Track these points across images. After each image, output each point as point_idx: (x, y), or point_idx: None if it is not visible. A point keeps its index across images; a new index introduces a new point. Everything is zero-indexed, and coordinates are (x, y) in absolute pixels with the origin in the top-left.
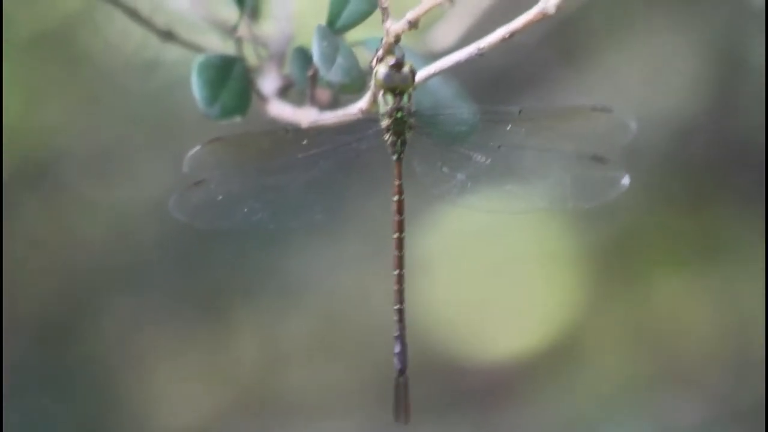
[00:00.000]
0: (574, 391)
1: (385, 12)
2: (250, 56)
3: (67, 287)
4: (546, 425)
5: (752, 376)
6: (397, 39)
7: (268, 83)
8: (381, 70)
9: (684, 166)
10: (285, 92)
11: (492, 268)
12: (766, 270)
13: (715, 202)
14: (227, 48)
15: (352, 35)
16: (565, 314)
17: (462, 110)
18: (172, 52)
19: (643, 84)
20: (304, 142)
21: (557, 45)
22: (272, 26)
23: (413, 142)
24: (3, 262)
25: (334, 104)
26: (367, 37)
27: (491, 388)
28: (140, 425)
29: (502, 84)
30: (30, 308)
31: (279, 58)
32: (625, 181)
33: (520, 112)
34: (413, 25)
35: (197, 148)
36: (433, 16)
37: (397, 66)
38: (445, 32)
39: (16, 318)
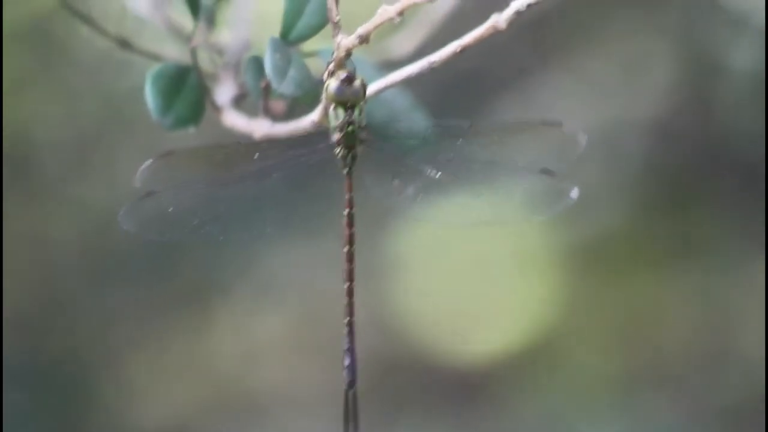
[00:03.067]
0: (553, 390)
1: (336, 27)
2: (207, 63)
3: (43, 282)
4: (524, 424)
5: (731, 375)
6: (348, 53)
7: (224, 92)
8: (332, 84)
9: (661, 167)
10: (240, 101)
11: (470, 268)
12: (767, 276)
13: (692, 203)
14: (184, 56)
15: (307, 45)
16: (544, 314)
17: (414, 123)
18: (155, 45)
19: (619, 85)
20: (256, 155)
21: (532, 45)
22: (229, 33)
23: (364, 155)
24: None
25: (289, 114)
26: (321, 48)
27: (469, 387)
28: (116, 421)
29: (476, 83)
30: (6, 303)
31: (235, 66)
32: (574, 194)
33: (470, 126)
34: (364, 40)
35: (149, 161)
36: (388, 28)
37: (348, 80)
38: (402, 41)
39: None
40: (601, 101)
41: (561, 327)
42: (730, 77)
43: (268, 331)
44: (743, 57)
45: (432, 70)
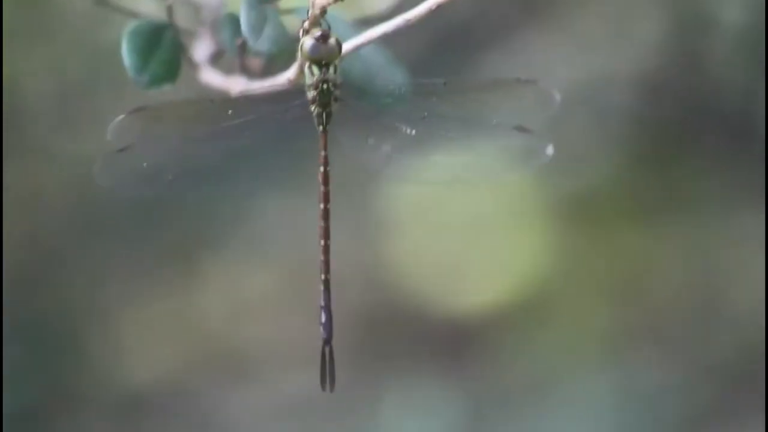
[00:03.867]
0: (541, 344)
1: None
2: (183, 21)
3: (31, 238)
4: (512, 378)
5: (720, 331)
6: (323, 11)
7: (201, 49)
8: (306, 42)
9: (650, 121)
10: (218, 59)
11: (459, 224)
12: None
13: (681, 158)
14: (160, 13)
15: (284, 3)
16: (534, 268)
17: (390, 81)
18: (132, 2)
19: (607, 40)
20: (230, 111)
21: (519, 1)
22: None
23: (340, 113)
24: None
25: (267, 72)
26: (297, 6)
27: (458, 340)
28: (104, 377)
29: (463, 40)
30: None
31: (212, 24)
32: (549, 150)
33: (445, 83)
34: None
35: (120, 116)
36: None
37: (323, 38)
38: None
39: None
40: (589, 56)
41: (551, 281)
42: (717, 31)
43: (256, 287)
44: (731, 10)
45: (419, 28)
